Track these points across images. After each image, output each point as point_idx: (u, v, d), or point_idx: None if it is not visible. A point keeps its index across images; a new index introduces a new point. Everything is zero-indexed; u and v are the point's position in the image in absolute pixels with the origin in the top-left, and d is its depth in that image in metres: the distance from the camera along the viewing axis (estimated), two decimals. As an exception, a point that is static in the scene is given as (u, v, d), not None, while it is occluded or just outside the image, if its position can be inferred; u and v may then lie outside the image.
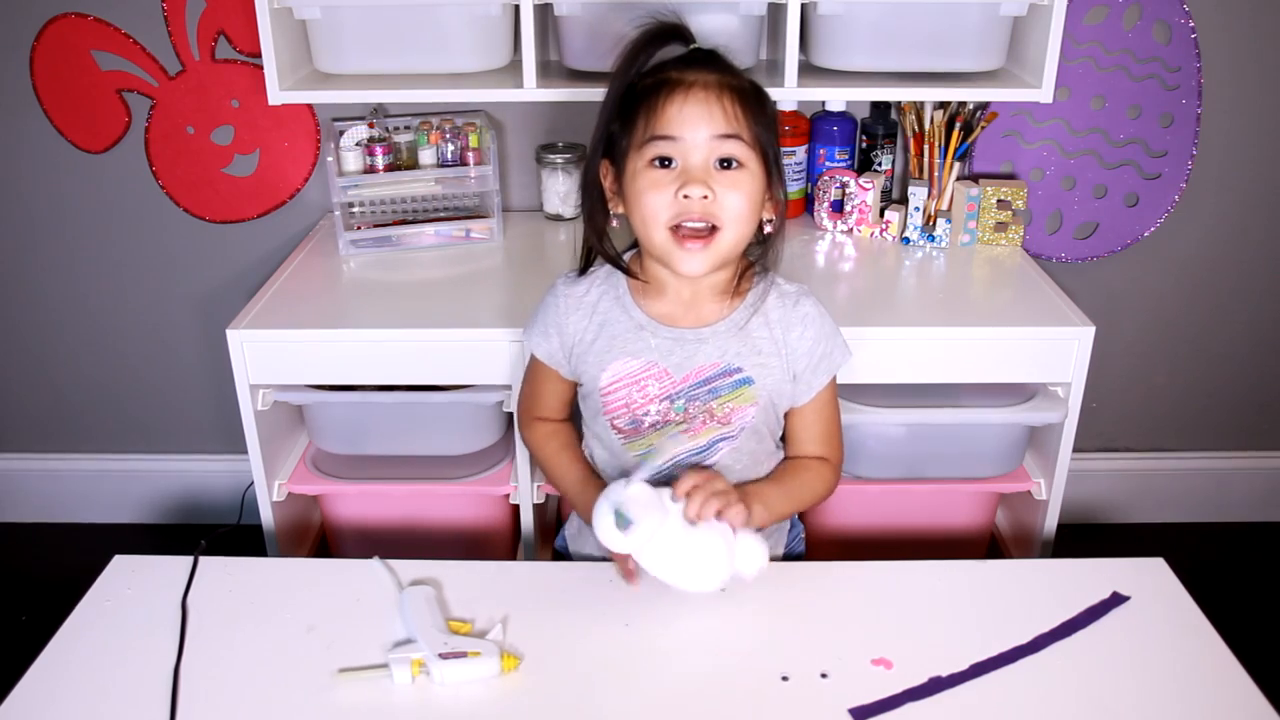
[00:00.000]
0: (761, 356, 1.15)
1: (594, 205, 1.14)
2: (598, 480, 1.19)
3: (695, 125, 1.03)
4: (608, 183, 1.12)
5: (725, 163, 1.05)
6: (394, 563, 1.11)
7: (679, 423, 1.16)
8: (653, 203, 1.05)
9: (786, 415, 1.22)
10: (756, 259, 1.16)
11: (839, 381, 1.24)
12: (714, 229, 1.06)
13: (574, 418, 1.28)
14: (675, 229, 1.06)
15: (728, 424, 1.16)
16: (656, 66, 1.08)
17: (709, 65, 1.07)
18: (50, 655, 1.00)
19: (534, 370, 1.26)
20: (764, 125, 1.07)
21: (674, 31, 1.08)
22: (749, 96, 1.07)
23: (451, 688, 0.94)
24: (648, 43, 1.07)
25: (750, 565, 1.02)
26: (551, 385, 1.24)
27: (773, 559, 1.25)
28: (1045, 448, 1.64)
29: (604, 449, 1.22)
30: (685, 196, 1.04)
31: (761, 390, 1.15)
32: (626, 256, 1.17)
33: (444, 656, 0.94)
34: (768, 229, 1.14)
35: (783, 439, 1.25)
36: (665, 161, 1.05)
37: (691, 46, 1.08)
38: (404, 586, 1.07)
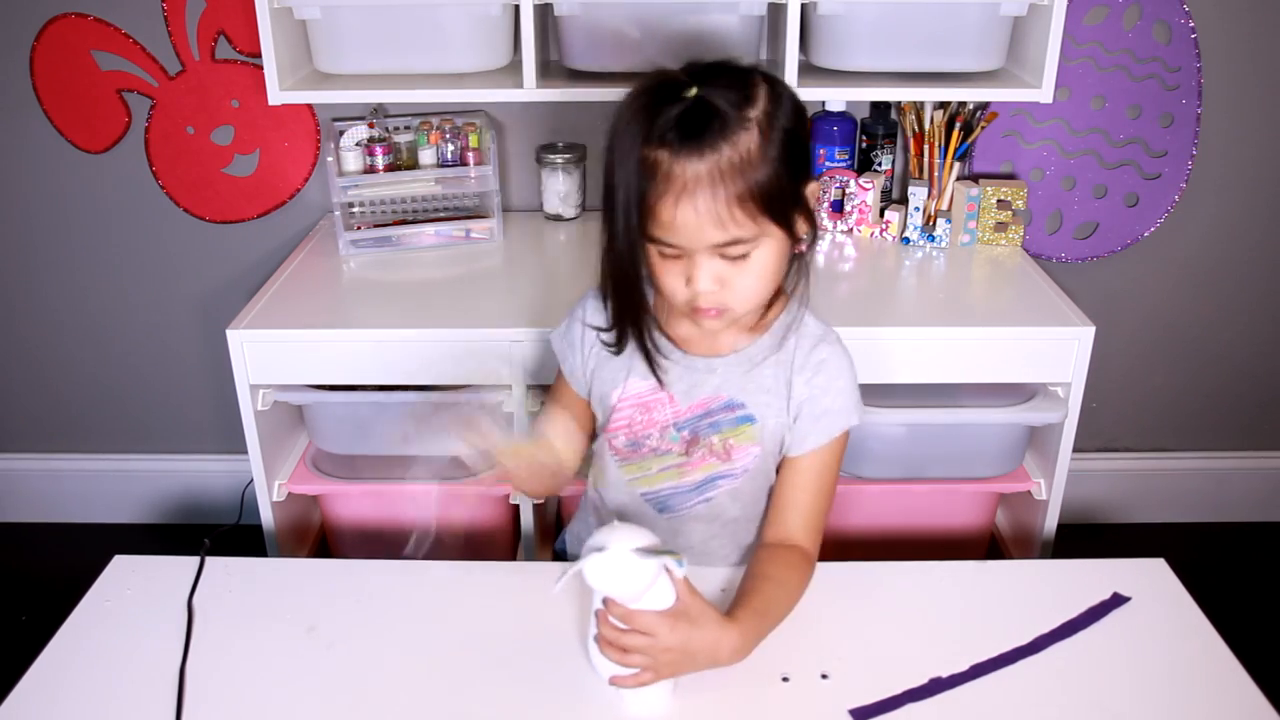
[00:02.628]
0: (767, 395, 1.09)
1: (633, 285, 1.03)
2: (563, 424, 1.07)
3: (689, 234, 0.95)
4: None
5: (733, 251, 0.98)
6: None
7: (678, 453, 1.12)
8: (666, 285, 1.01)
9: (778, 470, 1.14)
10: (787, 286, 1.08)
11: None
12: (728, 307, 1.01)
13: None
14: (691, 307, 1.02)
15: (728, 460, 1.11)
16: (652, 133, 0.94)
17: (704, 139, 0.93)
18: (50, 655, 1.00)
19: (558, 381, 1.21)
20: (775, 190, 0.95)
21: (669, 87, 0.95)
22: (751, 176, 0.93)
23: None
24: (642, 107, 0.95)
25: (637, 707, 0.92)
26: (569, 402, 1.19)
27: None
28: (1045, 448, 1.64)
29: (603, 477, 1.20)
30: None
31: (764, 430, 1.09)
32: None
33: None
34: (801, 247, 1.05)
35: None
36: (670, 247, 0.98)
37: (687, 95, 0.94)
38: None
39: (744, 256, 0.97)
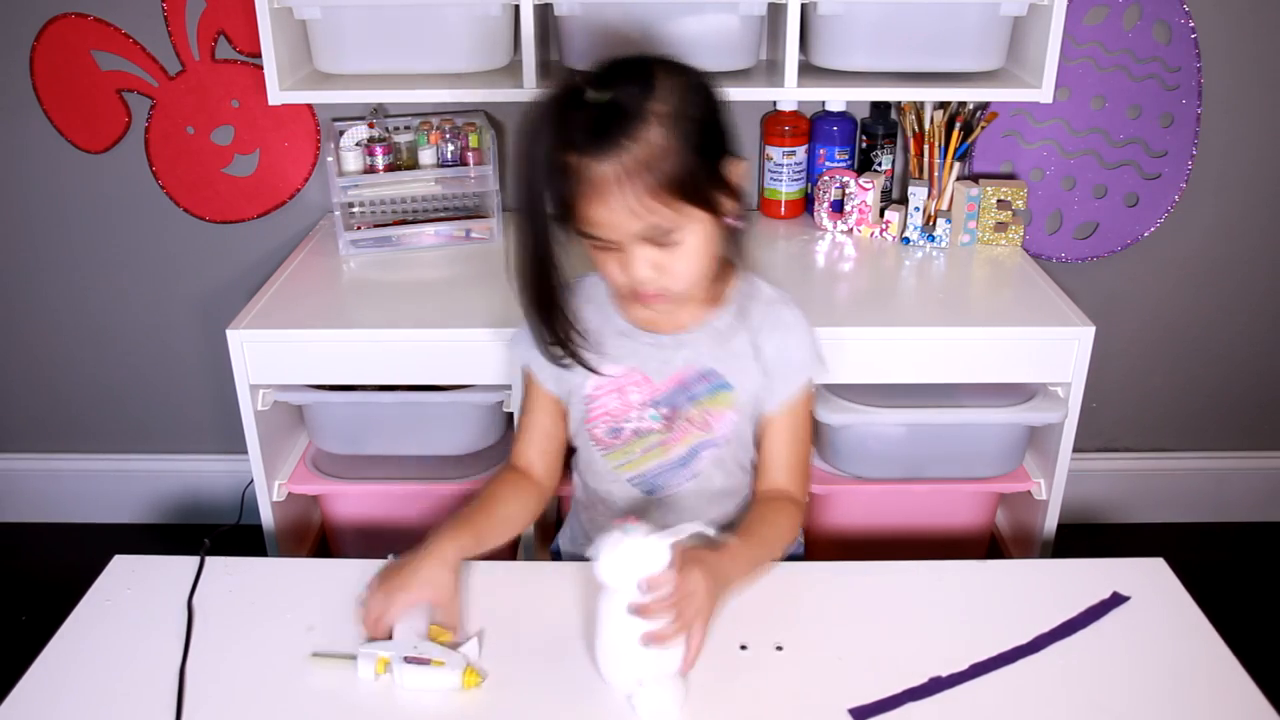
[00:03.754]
0: (739, 360, 1.14)
1: (545, 280, 1.06)
2: (450, 542, 1.05)
3: (615, 227, 0.99)
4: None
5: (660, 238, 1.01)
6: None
7: (659, 431, 1.16)
8: (608, 275, 1.06)
9: (758, 432, 1.19)
10: (731, 256, 1.12)
11: (833, 380, 1.22)
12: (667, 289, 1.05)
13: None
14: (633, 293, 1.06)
15: (708, 430, 1.15)
16: (563, 138, 0.98)
17: (608, 141, 0.96)
18: (50, 655, 1.00)
19: (526, 395, 1.22)
20: (688, 177, 0.98)
21: (572, 95, 0.99)
22: (661, 169, 0.97)
23: (412, 693, 0.94)
24: (550, 115, 0.99)
25: (657, 710, 0.92)
26: (540, 413, 1.20)
27: (773, 560, 1.25)
28: (1045, 448, 1.64)
29: (589, 470, 1.22)
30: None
31: (740, 395, 1.14)
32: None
33: (409, 660, 0.94)
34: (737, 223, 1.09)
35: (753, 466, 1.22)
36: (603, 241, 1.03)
37: (588, 99, 0.98)
38: None
39: (673, 242, 1.01)
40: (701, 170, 1.00)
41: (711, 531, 0.95)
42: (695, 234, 1.02)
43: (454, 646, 0.98)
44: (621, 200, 0.97)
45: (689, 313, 1.14)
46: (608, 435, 1.17)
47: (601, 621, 0.94)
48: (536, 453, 1.21)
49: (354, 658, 0.96)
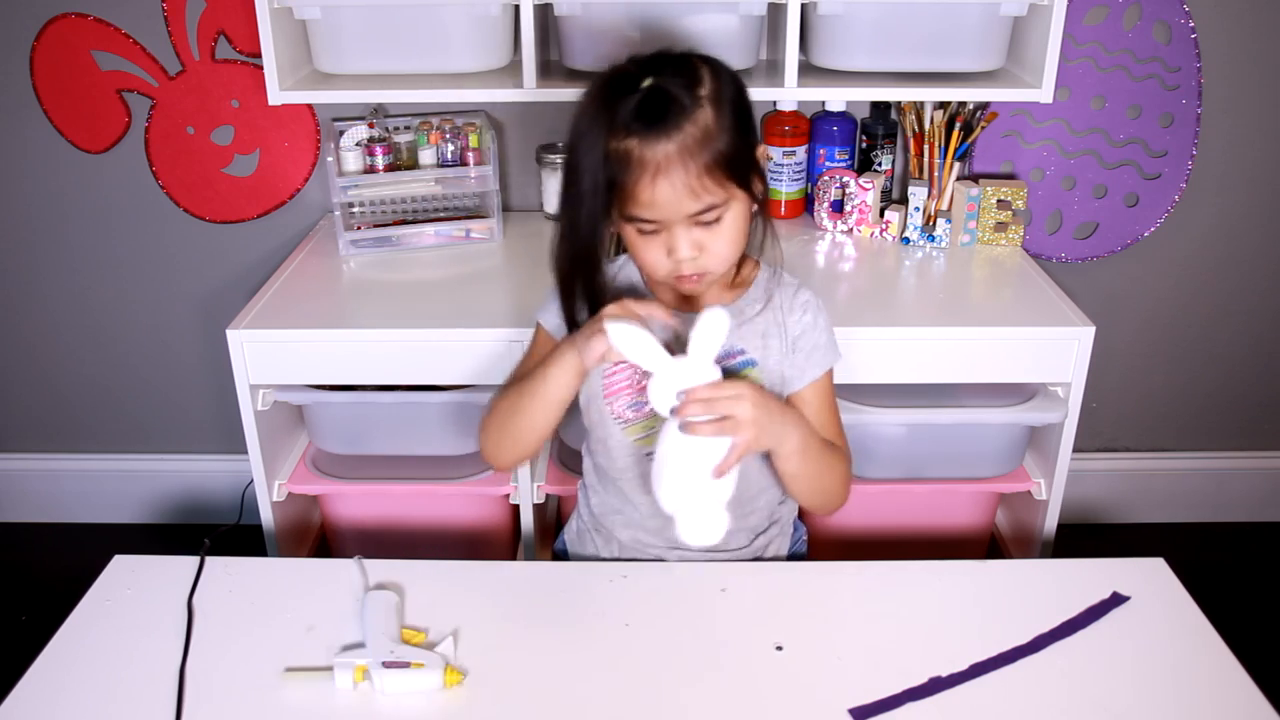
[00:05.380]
0: (764, 339, 1.16)
1: (593, 267, 1.09)
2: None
3: (667, 208, 1.02)
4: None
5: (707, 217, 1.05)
6: (370, 562, 1.11)
7: None
8: (647, 258, 1.08)
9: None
10: (753, 245, 1.16)
11: (837, 380, 1.23)
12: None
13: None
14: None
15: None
16: (617, 124, 1.01)
17: (668, 121, 1.00)
18: (50, 655, 1.00)
19: (532, 350, 1.23)
20: (735, 152, 1.03)
21: (622, 81, 1.02)
22: (715, 144, 1.01)
23: (393, 697, 0.94)
24: (602, 102, 1.02)
25: (697, 530, 0.99)
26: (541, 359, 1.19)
27: (776, 559, 1.25)
28: (1045, 448, 1.64)
29: (603, 449, 1.21)
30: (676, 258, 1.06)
31: (765, 372, 1.16)
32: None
33: (387, 665, 0.94)
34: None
35: None
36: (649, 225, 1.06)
37: (644, 85, 1.01)
38: (369, 589, 1.06)
39: (717, 220, 1.05)
40: (744, 150, 1.05)
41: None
42: (735, 213, 1.06)
43: (429, 647, 0.98)
44: (683, 179, 1.00)
45: (714, 294, 1.16)
46: (630, 408, 1.17)
47: (658, 445, 1.00)
48: None
49: (329, 669, 0.95)
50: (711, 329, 0.98)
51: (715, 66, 1.06)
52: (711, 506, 0.99)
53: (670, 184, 1.01)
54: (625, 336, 0.98)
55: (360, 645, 0.98)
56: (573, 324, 1.14)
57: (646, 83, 1.01)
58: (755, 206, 1.11)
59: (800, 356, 1.17)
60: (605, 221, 1.06)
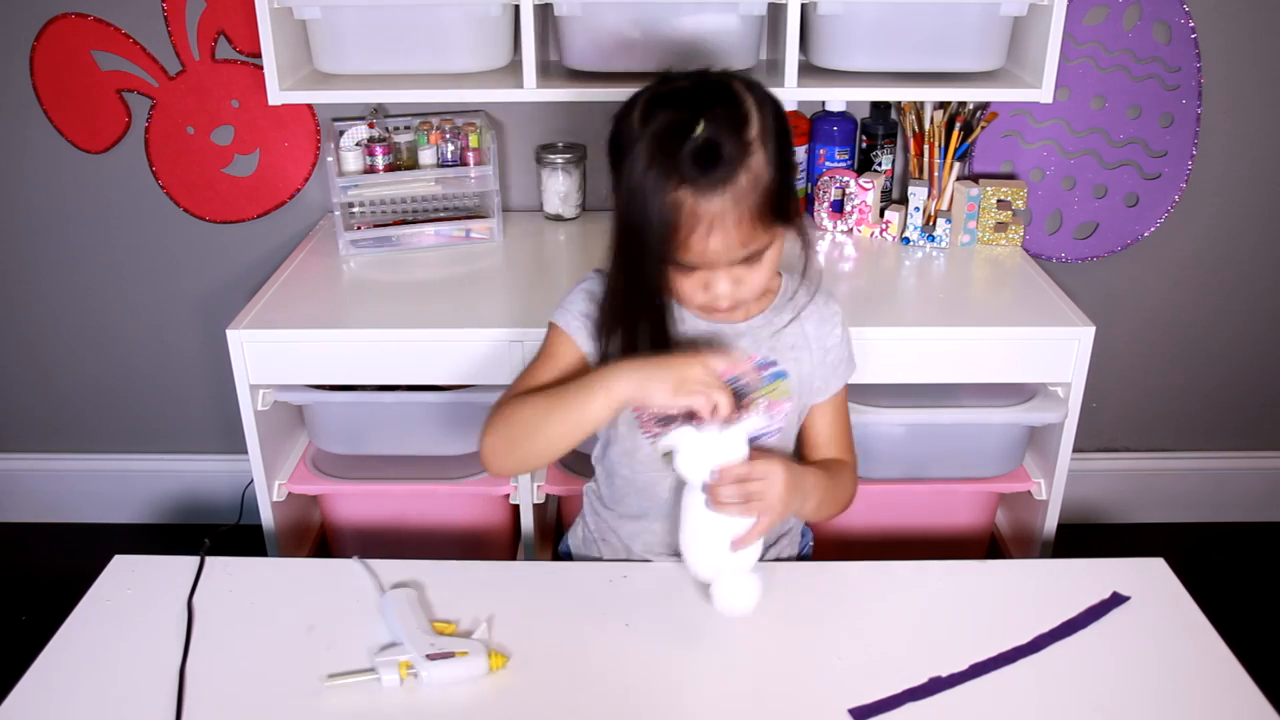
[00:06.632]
0: (794, 351, 1.16)
1: (657, 308, 1.09)
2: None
3: (716, 256, 1.03)
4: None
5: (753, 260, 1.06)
6: (375, 563, 1.11)
7: None
8: (684, 292, 1.07)
9: (804, 420, 1.22)
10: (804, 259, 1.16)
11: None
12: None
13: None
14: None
15: (770, 418, 1.16)
16: (671, 175, 0.99)
17: (722, 171, 0.98)
18: (50, 655, 1.00)
19: (546, 353, 1.17)
20: (779, 193, 1.03)
21: (678, 127, 1.00)
22: (761, 190, 1.01)
23: (440, 689, 0.94)
24: (657, 149, 1.00)
25: (732, 600, 1.01)
26: (561, 370, 1.15)
27: (783, 560, 1.25)
28: (1045, 448, 1.64)
29: (627, 460, 1.18)
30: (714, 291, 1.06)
31: (795, 383, 1.16)
32: None
33: (431, 658, 0.94)
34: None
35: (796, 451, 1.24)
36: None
37: (698, 135, 0.98)
38: (385, 589, 1.06)
39: (759, 258, 1.06)
40: (786, 184, 1.05)
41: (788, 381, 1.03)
42: (775, 248, 1.07)
43: (464, 636, 0.99)
44: (735, 233, 1.01)
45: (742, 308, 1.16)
46: (658, 423, 1.14)
47: (684, 513, 1.02)
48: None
49: (372, 670, 0.95)
50: (760, 417, 1.01)
51: (759, 96, 1.04)
52: (744, 574, 1.01)
53: (723, 237, 1.01)
54: (679, 438, 0.99)
55: (394, 644, 0.98)
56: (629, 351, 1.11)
57: (699, 130, 0.99)
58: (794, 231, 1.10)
59: (826, 369, 1.19)
60: (667, 266, 1.04)
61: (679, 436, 0.99)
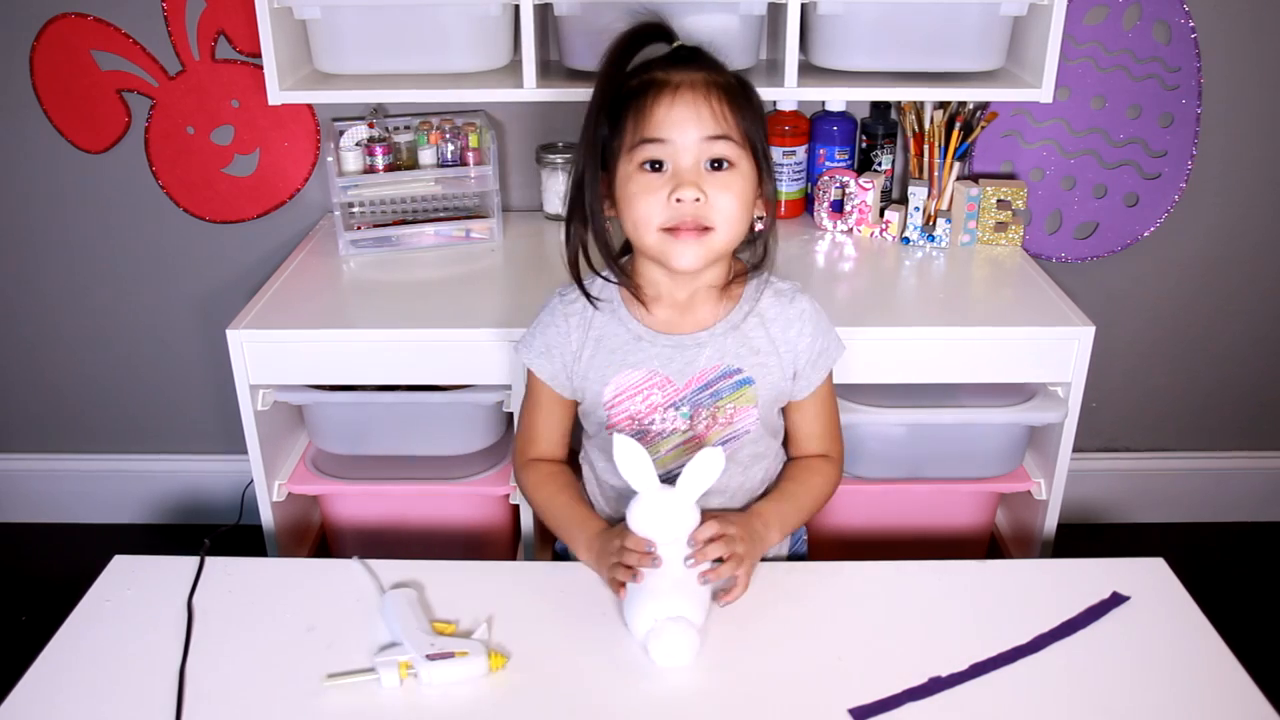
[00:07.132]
0: (759, 356, 1.15)
1: (587, 211, 1.11)
2: (599, 520, 1.15)
3: (684, 127, 1.03)
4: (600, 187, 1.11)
5: (716, 163, 1.05)
6: (375, 563, 1.11)
7: (684, 430, 1.16)
8: (646, 206, 1.06)
9: (785, 412, 1.23)
10: (748, 259, 1.17)
11: (835, 379, 1.24)
12: (707, 229, 1.06)
13: (572, 456, 1.27)
14: (669, 229, 1.06)
15: (731, 425, 1.17)
16: (641, 66, 1.08)
17: (694, 64, 1.06)
18: (50, 655, 1.00)
19: (532, 396, 1.23)
20: (753, 122, 1.07)
21: (657, 30, 1.09)
22: (736, 94, 1.06)
23: (440, 689, 0.94)
24: (631, 42, 1.08)
25: (665, 653, 0.97)
26: (550, 411, 1.22)
27: (776, 559, 1.26)
28: (1045, 448, 1.64)
29: (606, 460, 1.21)
30: (678, 200, 1.04)
31: (762, 389, 1.16)
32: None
33: (431, 658, 0.94)
34: (758, 226, 1.14)
35: (784, 441, 1.25)
36: (656, 165, 1.05)
37: (675, 44, 1.08)
38: (385, 589, 1.06)
39: (729, 167, 1.06)
40: (759, 130, 1.08)
41: (721, 454, 1.01)
42: (743, 175, 1.07)
43: (463, 636, 0.99)
44: (704, 99, 1.03)
45: (707, 310, 1.15)
46: (633, 437, 1.15)
47: (634, 593, 1.01)
48: (558, 443, 1.24)
49: (372, 670, 0.95)
50: (704, 469, 1.01)
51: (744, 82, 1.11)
52: (680, 626, 0.97)
53: (689, 103, 1.03)
54: (628, 454, 1.01)
55: (394, 645, 0.98)
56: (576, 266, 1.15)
57: (677, 42, 1.08)
58: (760, 212, 1.11)
59: (804, 372, 1.18)
60: (618, 143, 1.07)
61: (638, 488, 1.02)
